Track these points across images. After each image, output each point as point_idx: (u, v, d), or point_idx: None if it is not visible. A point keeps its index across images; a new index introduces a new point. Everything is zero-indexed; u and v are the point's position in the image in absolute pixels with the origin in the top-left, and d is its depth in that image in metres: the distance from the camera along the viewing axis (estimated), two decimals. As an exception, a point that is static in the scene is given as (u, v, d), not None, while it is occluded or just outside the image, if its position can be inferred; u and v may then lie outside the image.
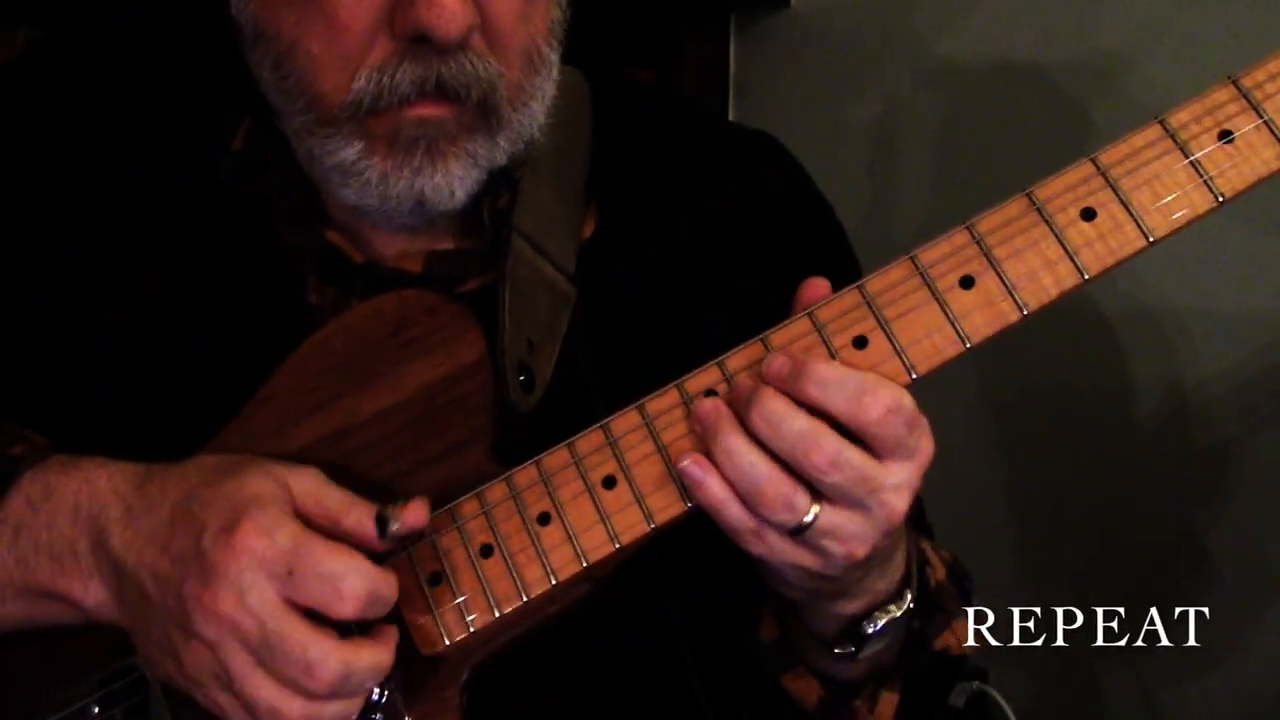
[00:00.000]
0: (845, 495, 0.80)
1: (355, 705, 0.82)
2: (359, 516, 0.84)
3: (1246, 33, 1.69)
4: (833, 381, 0.80)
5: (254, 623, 0.79)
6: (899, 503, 0.82)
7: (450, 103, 0.92)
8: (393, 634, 0.84)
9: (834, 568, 0.84)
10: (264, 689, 0.80)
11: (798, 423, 0.80)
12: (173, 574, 0.82)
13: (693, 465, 0.83)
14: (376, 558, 0.84)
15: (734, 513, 0.82)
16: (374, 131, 0.92)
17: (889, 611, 0.93)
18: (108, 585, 0.87)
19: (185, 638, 0.82)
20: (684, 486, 0.85)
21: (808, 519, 0.81)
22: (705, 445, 0.83)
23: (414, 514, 0.84)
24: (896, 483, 0.81)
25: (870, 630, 0.92)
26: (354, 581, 0.80)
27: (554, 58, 0.99)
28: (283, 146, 1.00)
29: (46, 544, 0.89)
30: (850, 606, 0.92)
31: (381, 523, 0.83)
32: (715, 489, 0.82)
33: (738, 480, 0.81)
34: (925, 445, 0.83)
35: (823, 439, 0.80)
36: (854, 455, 0.80)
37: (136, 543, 0.85)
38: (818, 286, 0.86)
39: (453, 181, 0.94)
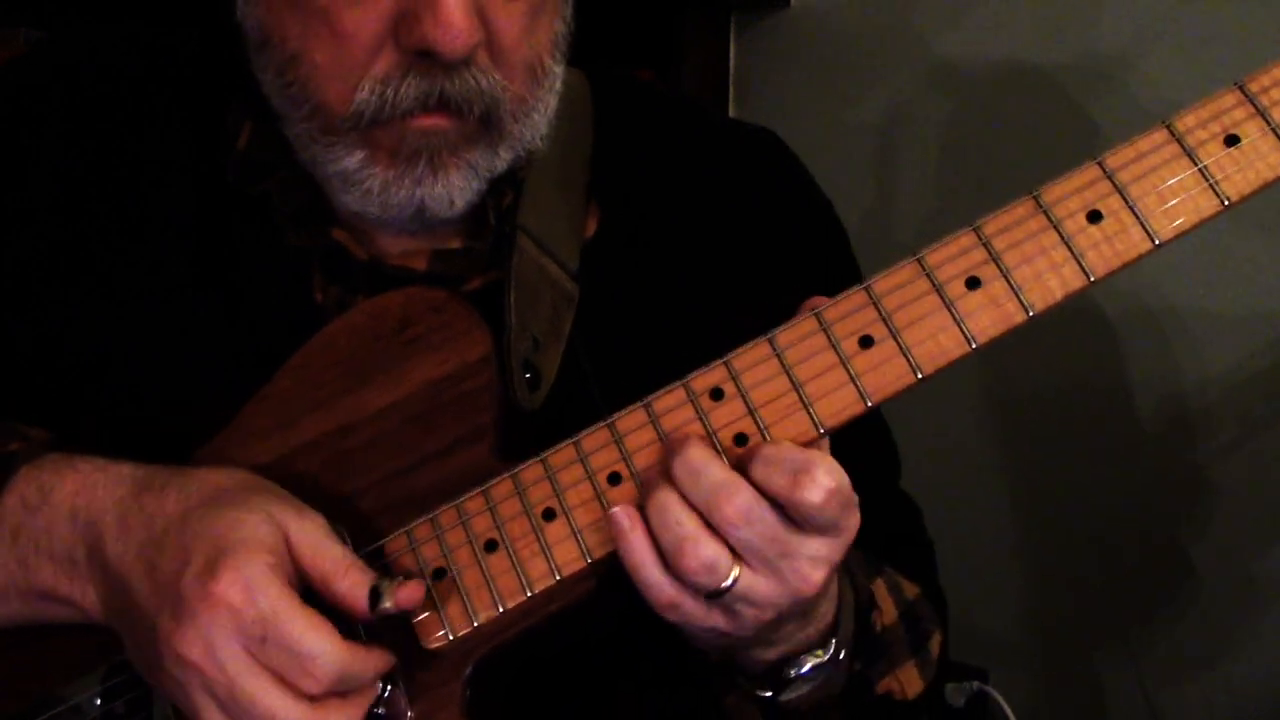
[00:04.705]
0: (756, 554, 0.79)
1: None
2: (353, 583, 0.82)
3: (1251, 35, 1.69)
4: (776, 459, 0.79)
5: (222, 678, 0.78)
6: (814, 574, 0.81)
7: (452, 116, 0.92)
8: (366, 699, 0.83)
9: (744, 629, 0.83)
10: None
11: (717, 473, 0.80)
12: (152, 600, 0.82)
13: (621, 513, 0.82)
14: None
15: (653, 576, 0.81)
16: (377, 142, 0.93)
17: (816, 656, 0.91)
18: (99, 593, 0.87)
19: (159, 666, 0.81)
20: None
21: (726, 583, 0.80)
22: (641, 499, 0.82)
23: (408, 594, 0.82)
24: (814, 555, 0.80)
25: (793, 674, 0.91)
26: (325, 663, 0.78)
27: (557, 69, 0.99)
28: (287, 148, 1.00)
29: (47, 549, 0.88)
30: (769, 654, 0.90)
31: (374, 596, 0.81)
32: (639, 544, 0.81)
33: (662, 533, 0.80)
34: (853, 523, 0.82)
35: (737, 492, 0.79)
36: (769, 515, 0.79)
37: (127, 556, 0.84)
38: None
39: (453, 191, 0.94)
